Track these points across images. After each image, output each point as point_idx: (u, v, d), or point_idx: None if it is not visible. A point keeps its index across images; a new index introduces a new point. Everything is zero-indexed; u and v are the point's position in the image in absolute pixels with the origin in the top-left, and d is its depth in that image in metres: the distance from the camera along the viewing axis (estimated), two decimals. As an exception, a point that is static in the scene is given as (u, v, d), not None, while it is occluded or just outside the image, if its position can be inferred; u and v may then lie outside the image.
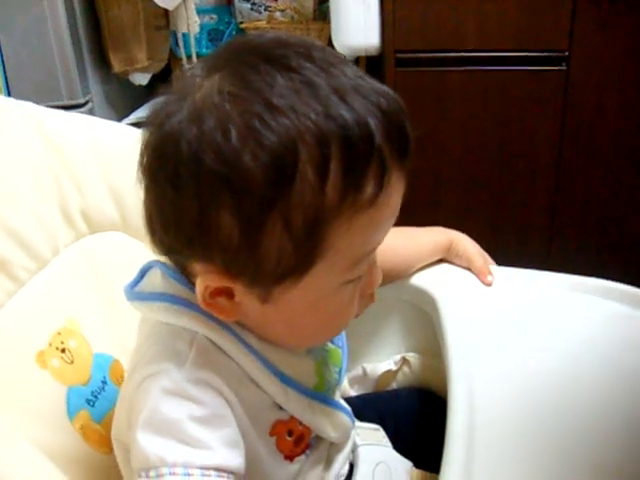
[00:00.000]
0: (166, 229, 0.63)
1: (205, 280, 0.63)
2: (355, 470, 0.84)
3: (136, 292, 0.72)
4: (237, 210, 0.57)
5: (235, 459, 0.65)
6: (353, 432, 0.87)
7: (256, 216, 0.56)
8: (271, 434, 0.72)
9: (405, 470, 0.88)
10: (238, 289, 0.63)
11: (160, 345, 0.68)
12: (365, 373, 1.11)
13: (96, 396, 0.83)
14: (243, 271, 0.61)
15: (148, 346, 0.70)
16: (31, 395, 0.76)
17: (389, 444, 0.91)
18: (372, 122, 0.56)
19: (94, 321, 0.86)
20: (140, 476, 0.61)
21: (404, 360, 1.09)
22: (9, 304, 0.78)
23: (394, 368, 1.09)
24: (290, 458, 0.75)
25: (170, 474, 0.60)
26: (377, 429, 0.92)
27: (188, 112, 0.58)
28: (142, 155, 0.62)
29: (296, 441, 0.75)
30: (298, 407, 0.73)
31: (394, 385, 1.10)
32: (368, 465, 0.85)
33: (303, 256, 0.59)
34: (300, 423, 0.74)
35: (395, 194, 0.61)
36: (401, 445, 0.91)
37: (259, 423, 0.70)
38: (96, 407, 0.82)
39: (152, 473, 0.61)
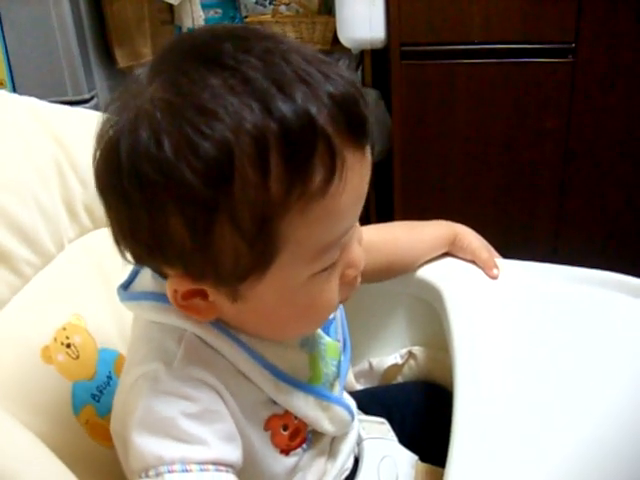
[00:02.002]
0: (125, 239, 0.63)
1: (172, 284, 0.63)
2: (360, 464, 0.84)
3: (128, 292, 0.72)
4: (183, 217, 0.56)
5: (232, 452, 0.66)
6: (358, 425, 0.87)
7: (202, 221, 0.56)
8: (265, 429, 0.72)
9: (410, 464, 0.88)
10: (208, 289, 0.63)
11: (150, 344, 0.69)
12: (371, 367, 1.11)
13: (101, 391, 0.83)
14: (204, 274, 0.61)
15: (139, 345, 0.71)
16: (37, 390, 0.76)
17: (394, 438, 0.90)
18: (314, 109, 0.55)
19: (99, 316, 0.86)
20: (140, 477, 0.62)
21: (410, 354, 1.09)
22: (14, 299, 0.79)
23: (400, 362, 1.09)
24: (286, 452, 0.74)
25: (169, 472, 0.61)
26: (382, 422, 0.92)
27: (125, 123, 0.57)
28: (93, 167, 0.61)
29: (291, 435, 0.74)
30: (291, 401, 0.72)
31: (400, 379, 1.10)
32: (373, 459, 0.84)
33: (259, 253, 0.58)
34: (295, 417, 0.74)
35: (355, 177, 0.59)
36: (407, 438, 0.91)
37: (253, 417, 0.70)
38: (101, 402, 0.82)
39: (151, 472, 0.61)
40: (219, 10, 2.69)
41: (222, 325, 0.68)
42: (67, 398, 0.79)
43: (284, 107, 0.54)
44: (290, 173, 0.55)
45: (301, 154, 0.55)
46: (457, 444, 0.71)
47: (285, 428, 0.73)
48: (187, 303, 0.64)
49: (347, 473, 0.82)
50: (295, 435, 0.75)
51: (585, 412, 0.75)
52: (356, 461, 0.85)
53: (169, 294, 0.64)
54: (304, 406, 0.73)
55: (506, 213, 2.23)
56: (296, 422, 0.74)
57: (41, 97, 0.97)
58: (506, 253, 1.05)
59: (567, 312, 0.91)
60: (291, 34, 2.51)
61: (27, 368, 0.76)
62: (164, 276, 0.65)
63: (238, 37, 0.59)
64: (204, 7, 2.51)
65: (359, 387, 1.11)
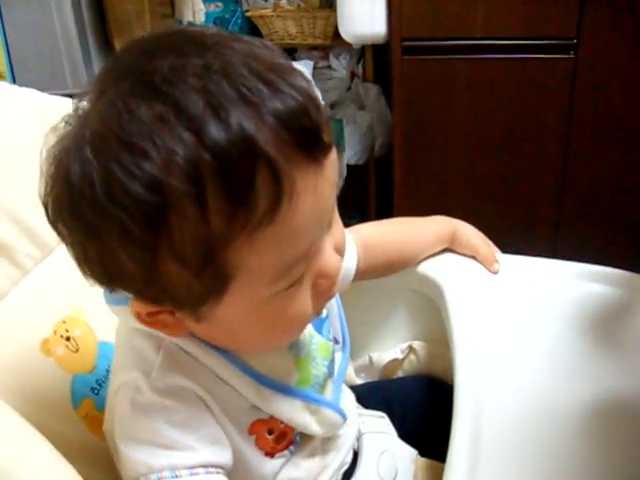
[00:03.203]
0: (81, 266, 0.60)
1: (134, 306, 0.61)
2: (360, 458, 0.84)
3: (113, 296, 0.70)
4: (128, 253, 0.54)
5: (220, 455, 0.66)
6: (357, 420, 0.87)
7: (146, 258, 0.54)
8: (250, 433, 0.71)
9: (410, 458, 0.88)
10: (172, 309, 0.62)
11: (130, 350, 0.68)
12: (371, 362, 1.11)
13: (100, 384, 0.83)
14: (161, 300, 0.59)
15: (121, 351, 0.71)
16: (36, 383, 0.76)
17: (394, 432, 0.90)
18: (252, 131, 0.50)
19: (99, 310, 0.85)
20: None
21: (410, 348, 1.09)
22: (14, 292, 0.79)
23: (400, 356, 1.09)
24: (271, 454, 0.73)
25: (158, 479, 0.61)
26: (382, 417, 0.92)
27: (62, 155, 0.55)
28: (38, 192, 0.58)
29: (277, 439, 0.73)
30: (275, 406, 0.71)
31: (400, 373, 1.10)
32: (373, 453, 0.84)
33: (210, 283, 0.56)
34: (282, 422, 0.73)
35: (309, 196, 0.55)
36: (407, 433, 0.91)
37: (237, 422, 0.70)
38: (100, 395, 0.82)
39: None
40: (220, 4, 2.67)
41: None
42: (67, 391, 0.79)
43: (217, 134, 0.49)
44: (230, 205, 0.51)
45: (240, 183, 0.50)
46: (457, 439, 0.71)
47: (270, 432, 0.73)
48: (154, 320, 0.62)
49: (346, 467, 0.82)
50: (281, 438, 0.74)
51: (586, 406, 0.75)
52: (355, 455, 0.84)
53: (134, 314, 0.62)
54: (289, 410, 0.72)
55: (506, 208, 2.23)
56: (282, 426, 0.73)
57: (41, 89, 0.96)
58: (506, 248, 1.05)
59: (567, 307, 0.91)
60: (292, 28, 2.51)
61: (27, 361, 0.76)
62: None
63: (176, 52, 0.54)
64: (205, 1, 2.50)
65: (359, 382, 1.11)
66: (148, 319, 0.62)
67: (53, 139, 0.57)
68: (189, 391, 0.65)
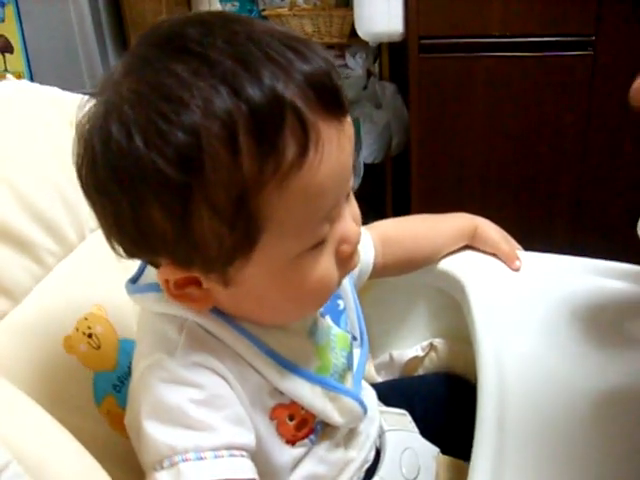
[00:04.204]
0: (113, 234, 0.63)
1: (163, 274, 0.64)
2: (382, 455, 0.83)
3: (135, 286, 0.72)
4: (162, 205, 0.57)
5: (244, 436, 0.66)
6: (379, 417, 0.87)
7: (180, 207, 0.56)
8: (271, 418, 0.71)
9: (432, 456, 0.88)
10: (200, 276, 0.63)
11: (153, 335, 0.69)
12: (392, 359, 1.11)
13: (122, 381, 0.83)
14: (191, 260, 0.61)
15: (143, 337, 0.71)
16: (59, 380, 0.76)
17: (416, 429, 0.90)
18: (280, 86, 0.54)
19: (120, 307, 0.86)
20: (155, 469, 0.62)
21: (431, 346, 1.09)
22: (36, 289, 0.79)
23: (421, 354, 1.09)
24: (292, 442, 0.73)
25: (183, 461, 0.61)
26: (404, 414, 0.92)
27: (97, 118, 0.58)
28: (74, 164, 0.62)
29: (298, 426, 0.73)
30: (296, 389, 0.71)
31: (421, 371, 1.10)
32: (395, 451, 0.84)
33: (241, 234, 0.58)
34: (302, 408, 0.73)
35: (333, 149, 0.58)
36: (428, 431, 0.91)
37: (259, 406, 0.70)
38: (122, 392, 0.82)
39: (165, 463, 0.61)
40: (236, 3, 2.69)
41: (223, 313, 0.68)
42: (89, 388, 0.79)
43: (249, 86, 0.54)
44: (261, 150, 0.54)
45: (270, 130, 0.54)
46: (481, 438, 0.71)
47: (291, 418, 0.72)
48: (181, 292, 0.64)
49: (369, 464, 0.82)
50: (302, 425, 0.74)
51: (609, 403, 0.74)
52: (377, 453, 0.84)
53: (162, 284, 0.64)
54: (310, 396, 0.72)
55: (524, 207, 2.22)
56: (303, 412, 0.73)
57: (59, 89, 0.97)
58: (524, 245, 1.05)
59: (587, 303, 0.91)
60: (308, 27, 2.51)
61: (50, 358, 0.77)
62: (157, 267, 0.65)
63: (203, 22, 0.59)
64: (222, 0, 2.50)
65: (380, 379, 1.11)
66: (176, 291, 0.64)
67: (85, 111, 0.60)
68: (212, 369, 0.65)
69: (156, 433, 0.62)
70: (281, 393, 0.71)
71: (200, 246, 0.59)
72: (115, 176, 0.57)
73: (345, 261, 0.67)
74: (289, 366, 0.71)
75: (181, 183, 0.55)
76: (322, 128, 0.57)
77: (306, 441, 0.74)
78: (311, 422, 0.74)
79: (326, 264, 0.65)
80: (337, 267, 0.66)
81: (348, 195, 0.66)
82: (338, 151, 0.59)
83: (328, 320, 0.79)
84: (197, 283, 0.64)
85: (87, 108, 0.60)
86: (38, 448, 0.58)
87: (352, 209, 0.68)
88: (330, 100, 0.58)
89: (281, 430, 0.72)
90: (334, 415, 0.74)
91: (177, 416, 0.63)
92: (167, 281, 0.64)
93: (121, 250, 0.64)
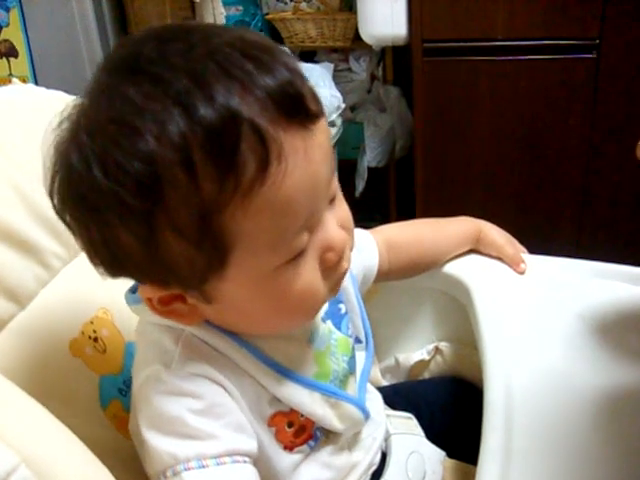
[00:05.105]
0: (89, 255, 0.63)
1: (144, 293, 0.64)
2: (388, 459, 0.83)
3: (134, 295, 0.72)
4: (128, 230, 0.57)
5: (245, 442, 0.66)
6: (386, 421, 0.87)
7: (145, 232, 0.56)
8: (269, 425, 0.71)
9: (438, 460, 0.87)
10: (183, 293, 0.63)
11: (150, 346, 0.69)
12: (397, 363, 1.11)
13: (128, 386, 0.83)
14: (166, 280, 0.61)
15: (142, 348, 0.72)
16: (66, 383, 0.77)
17: (422, 433, 0.90)
18: (235, 101, 0.53)
19: (126, 310, 0.85)
20: (159, 479, 0.63)
21: (437, 349, 1.09)
22: (43, 292, 0.79)
23: (427, 358, 1.09)
24: (290, 448, 0.73)
25: (185, 470, 0.61)
26: (410, 418, 0.92)
27: (61, 146, 0.59)
28: (45, 189, 0.62)
29: (296, 432, 0.73)
30: (294, 397, 0.71)
31: (426, 375, 1.10)
32: (401, 454, 0.84)
33: (210, 253, 0.58)
34: (302, 415, 0.73)
35: (300, 160, 0.57)
36: (434, 434, 0.90)
37: (258, 413, 0.70)
38: (128, 397, 0.82)
39: (169, 473, 0.62)
40: (240, 7, 2.69)
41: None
42: (95, 392, 0.80)
43: (202, 105, 0.53)
44: (219, 170, 0.53)
45: (226, 148, 0.53)
46: (488, 442, 0.71)
47: (290, 425, 0.72)
48: (168, 309, 0.64)
49: (375, 468, 0.82)
50: (300, 432, 0.73)
51: (619, 410, 0.74)
52: (384, 456, 0.84)
53: (146, 303, 0.65)
54: (309, 403, 0.72)
55: (529, 209, 2.22)
56: (302, 419, 0.73)
57: (64, 94, 0.97)
58: (529, 249, 1.05)
59: (593, 306, 0.90)
60: (312, 31, 2.51)
61: (56, 361, 0.77)
62: (142, 283, 0.65)
63: (161, 39, 0.57)
64: (225, 4, 2.50)
65: (385, 383, 1.11)
66: (162, 308, 0.64)
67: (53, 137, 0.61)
68: (210, 379, 0.66)
69: (158, 444, 0.63)
70: (280, 401, 0.71)
71: (171, 267, 0.59)
72: (81, 203, 0.58)
73: (332, 269, 0.66)
74: (287, 373, 0.70)
75: (142, 210, 0.55)
76: (285, 140, 0.55)
77: (304, 447, 0.74)
78: (310, 428, 0.74)
79: (309, 274, 0.63)
80: (324, 276, 0.65)
81: (332, 200, 0.65)
82: (305, 161, 0.58)
83: (329, 325, 0.78)
84: (182, 299, 0.64)
85: (56, 132, 0.60)
86: (46, 451, 0.58)
87: (339, 213, 0.66)
88: (292, 109, 0.56)
89: (279, 437, 0.72)
90: (333, 421, 0.74)
91: (177, 426, 0.63)
92: (150, 299, 0.64)
93: (102, 270, 0.64)
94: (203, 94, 0.53)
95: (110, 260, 0.61)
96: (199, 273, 0.59)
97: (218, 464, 0.62)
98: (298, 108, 0.57)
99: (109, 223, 0.57)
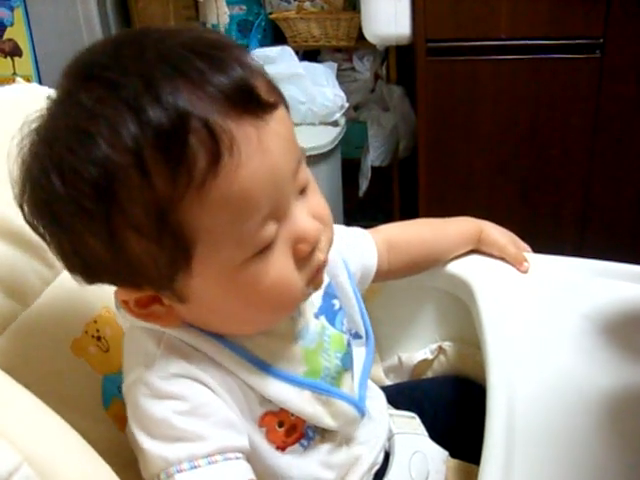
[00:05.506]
0: (65, 264, 0.65)
1: (119, 296, 0.65)
2: (391, 459, 0.83)
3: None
4: (91, 233, 0.58)
5: (235, 439, 0.65)
6: (389, 420, 0.87)
7: (106, 234, 0.57)
8: (260, 425, 0.71)
9: (441, 459, 0.87)
10: (157, 294, 0.64)
11: (135, 350, 0.70)
12: (400, 362, 1.11)
13: (130, 385, 0.83)
14: (136, 281, 0.62)
15: (127, 351, 0.72)
16: (68, 383, 0.77)
17: (425, 433, 0.90)
18: (182, 99, 0.54)
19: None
20: None
21: (440, 349, 1.09)
22: (46, 291, 0.79)
23: (430, 357, 1.09)
24: (282, 448, 0.73)
25: (178, 472, 0.62)
26: (413, 417, 0.91)
27: (25, 156, 0.60)
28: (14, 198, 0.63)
29: (287, 432, 0.73)
30: (282, 395, 0.70)
31: (430, 374, 1.10)
32: (404, 454, 0.84)
33: (172, 249, 0.58)
34: (291, 414, 0.72)
35: (254, 151, 0.57)
36: (437, 434, 0.90)
37: (249, 413, 0.70)
38: (130, 396, 0.82)
39: (162, 476, 0.62)
40: (244, 7, 2.69)
41: None
42: (97, 391, 0.80)
43: (151, 107, 0.54)
44: (170, 166, 0.54)
45: (175, 145, 0.54)
46: (491, 440, 0.71)
47: (281, 425, 0.72)
48: (146, 311, 0.65)
49: (378, 467, 0.82)
50: (291, 431, 0.73)
51: (623, 409, 0.74)
52: (387, 456, 0.84)
53: (122, 306, 0.66)
54: (298, 401, 0.72)
55: (532, 210, 2.22)
56: (293, 418, 0.73)
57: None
58: (533, 248, 1.05)
59: (596, 305, 0.91)
60: (316, 31, 2.51)
61: (59, 360, 0.77)
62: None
63: (114, 44, 0.59)
64: (229, 4, 2.50)
65: (388, 382, 1.11)
66: (139, 311, 0.65)
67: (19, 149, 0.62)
68: (193, 379, 0.65)
69: (150, 448, 0.63)
70: (270, 401, 0.71)
71: (137, 267, 0.60)
72: (46, 213, 0.60)
73: (306, 260, 0.65)
74: (272, 371, 0.70)
75: (101, 212, 0.56)
76: (236, 131, 0.56)
77: (296, 446, 0.74)
78: (301, 427, 0.74)
79: (279, 267, 0.63)
80: (299, 268, 0.65)
81: (303, 191, 0.65)
82: (260, 151, 0.58)
83: (323, 321, 0.78)
84: (159, 301, 0.64)
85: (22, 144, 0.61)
86: (48, 450, 0.58)
87: (310, 205, 0.66)
88: (242, 100, 0.57)
89: (271, 437, 0.72)
90: (326, 419, 0.74)
91: (165, 429, 0.63)
92: (126, 302, 0.65)
93: (79, 277, 0.64)
94: (151, 96, 0.54)
95: (83, 267, 0.63)
96: (165, 271, 0.60)
97: (210, 463, 0.62)
98: (248, 98, 0.57)
99: (74, 230, 0.59)
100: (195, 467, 0.62)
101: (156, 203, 0.55)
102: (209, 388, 0.66)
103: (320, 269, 0.68)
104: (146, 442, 0.63)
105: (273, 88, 0.61)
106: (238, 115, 0.56)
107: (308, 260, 0.65)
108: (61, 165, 0.56)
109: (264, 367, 0.70)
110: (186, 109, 0.54)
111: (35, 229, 0.63)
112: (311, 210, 0.65)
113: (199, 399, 0.65)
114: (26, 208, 0.61)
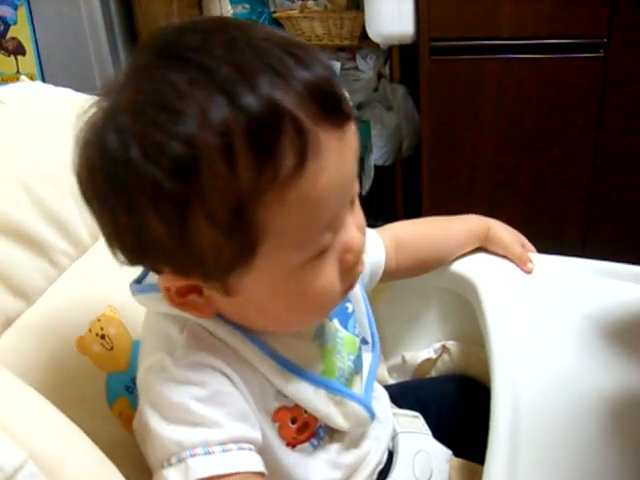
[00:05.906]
0: (113, 241, 0.63)
1: (163, 282, 0.64)
2: (395, 458, 0.83)
3: (139, 286, 0.72)
4: (159, 215, 0.56)
5: (250, 431, 0.65)
6: (392, 419, 0.87)
7: (177, 217, 0.56)
8: (273, 420, 0.71)
9: (445, 459, 0.87)
10: (201, 284, 0.63)
11: (156, 335, 0.70)
12: (404, 361, 1.11)
13: (135, 383, 0.83)
14: (190, 269, 0.61)
15: (147, 338, 0.72)
16: (72, 380, 0.77)
17: (429, 432, 0.90)
18: (278, 94, 0.54)
19: (134, 308, 0.86)
20: (163, 467, 0.62)
21: (444, 348, 1.09)
22: (50, 289, 0.79)
23: (434, 356, 1.09)
24: (292, 445, 0.73)
25: (191, 456, 0.61)
26: (416, 416, 0.92)
27: (95, 127, 0.58)
28: (73, 172, 0.62)
29: (299, 429, 0.73)
30: (299, 392, 0.71)
31: (433, 373, 1.10)
32: (408, 453, 0.84)
33: (239, 243, 0.57)
34: (305, 411, 0.73)
35: (334, 158, 0.57)
36: (441, 433, 0.90)
37: (263, 406, 0.70)
38: (134, 394, 0.81)
39: (173, 460, 0.62)
40: (247, 5, 2.69)
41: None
42: (102, 389, 0.80)
43: (246, 95, 0.53)
44: (258, 160, 0.54)
45: (267, 139, 0.53)
46: (495, 440, 0.71)
47: (294, 421, 0.72)
48: (184, 300, 0.64)
49: (382, 467, 0.82)
50: (303, 429, 0.73)
51: (628, 412, 0.74)
52: (390, 455, 0.84)
53: (163, 292, 0.64)
54: (314, 399, 0.72)
55: (535, 209, 2.22)
56: (306, 416, 0.73)
57: (71, 91, 0.97)
58: (536, 248, 1.05)
59: (599, 306, 0.91)
60: (319, 29, 2.51)
61: (63, 359, 0.77)
62: (159, 273, 0.65)
63: (202, 30, 0.58)
64: (232, 2, 2.51)
65: (392, 381, 1.11)
66: (178, 299, 0.64)
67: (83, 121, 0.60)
68: (214, 368, 0.65)
69: (162, 431, 0.63)
70: (285, 396, 0.71)
71: (198, 256, 0.58)
72: (112, 186, 0.57)
73: (348, 271, 0.66)
74: (293, 369, 0.70)
75: (178, 193, 0.55)
76: (322, 137, 0.56)
77: (306, 445, 0.74)
78: (313, 425, 0.74)
79: (329, 274, 0.64)
80: (340, 277, 0.65)
81: (352, 202, 0.66)
82: (339, 160, 0.58)
83: (336, 323, 0.78)
84: (198, 291, 0.64)
85: (88, 116, 0.60)
86: (53, 448, 0.58)
87: (356, 217, 0.67)
88: (330, 108, 0.57)
89: (282, 433, 0.72)
90: (338, 419, 0.74)
91: (182, 414, 0.63)
92: (168, 289, 0.64)
93: (122, 257, 0.63)
94: (247, 84, 0.53)
95: (133, 246, 0.61)
96: (225, 264, 0.59)
97: (224, 451, 0.62)
98: (336, 108, 0.58)
99: (140, 206, 0.56)
100: (209, 453, 0.62)
101: (237, 195, 0.54)
102: (229, 378, 0.66)
103: (357, 280, 0.70)
104: (159, 426, 0.63)
105: (346, 97, 0.61)
106: (326, 122, 0.56)
107: (350, 271, 0.66)
108: (144, 138, 0.54)
109: (285, 364, 0.70)
110: (281, 104, 0.54)
111: (87, 200, 0.61)
112: (357, 222, 0.66)
113: (218, 387, 0.65)
114: (84, 177, 0.60)
